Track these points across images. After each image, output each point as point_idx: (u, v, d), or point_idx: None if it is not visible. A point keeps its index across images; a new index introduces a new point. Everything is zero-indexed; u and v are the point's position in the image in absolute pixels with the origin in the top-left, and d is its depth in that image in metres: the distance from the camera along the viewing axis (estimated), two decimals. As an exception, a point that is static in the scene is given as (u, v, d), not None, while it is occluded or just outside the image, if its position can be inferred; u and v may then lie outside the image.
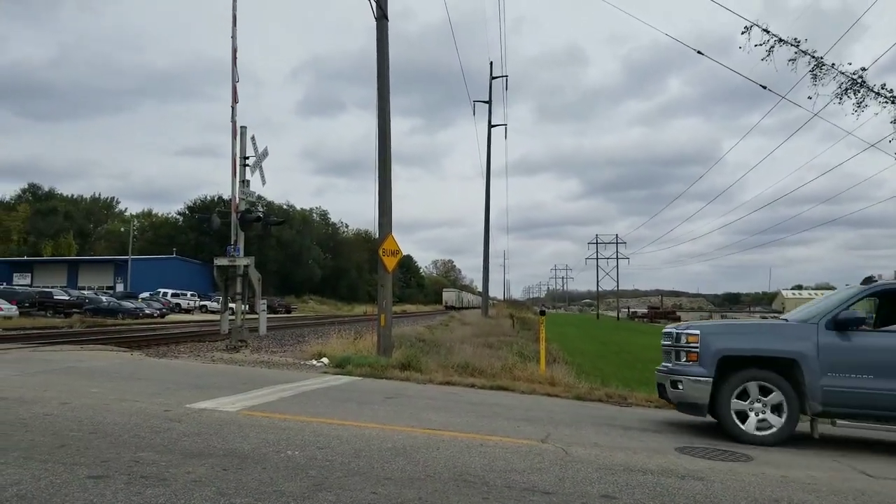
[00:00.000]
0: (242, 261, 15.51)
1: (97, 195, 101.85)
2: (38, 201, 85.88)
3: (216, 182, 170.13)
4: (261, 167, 15.86)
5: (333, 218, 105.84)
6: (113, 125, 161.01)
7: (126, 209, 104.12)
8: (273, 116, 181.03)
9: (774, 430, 7.50)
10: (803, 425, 7.91)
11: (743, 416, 7.61)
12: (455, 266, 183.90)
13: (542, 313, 14.24)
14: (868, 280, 8.00)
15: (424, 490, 4.87)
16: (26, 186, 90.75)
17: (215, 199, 79.53)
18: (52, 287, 51.31)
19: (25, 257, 74.72)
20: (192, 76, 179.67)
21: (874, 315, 8.41)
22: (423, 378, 11.41)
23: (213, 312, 53.84)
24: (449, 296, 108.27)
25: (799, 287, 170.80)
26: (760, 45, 14.32)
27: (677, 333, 8.12)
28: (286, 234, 79.33)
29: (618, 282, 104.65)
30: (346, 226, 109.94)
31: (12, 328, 27.23)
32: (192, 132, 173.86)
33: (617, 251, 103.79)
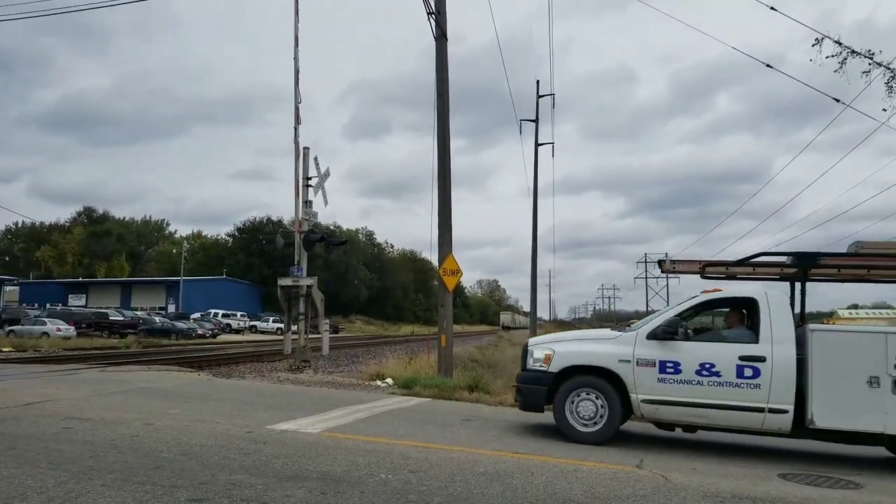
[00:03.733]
0: (306, 281, 15.57)
1: (148, 218, 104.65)
2: (93, 224, 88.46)
3: (267, 204, 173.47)
4: (323, 188, 15.96)
5: (379, 238, 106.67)
6: (168, 151, 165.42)
7: (176, 231, 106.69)
8: (321, 139, 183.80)
9: None
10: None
11: None
12: (500, 286, 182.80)
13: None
14: None
15: (532, 518, 4.66)
16: (81, 210, 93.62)
17: (264, 220, 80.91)
18: (107, 308, 52.60)
19: (80, 279, 76.80)
20: (245, 102, 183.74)
21: None
22: (494, 400, 11.17)
23: (262, 333, 54.50)
24: (505, 317, 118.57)
25: (855, 306, 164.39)
26: (832, 56, 13.95)
27: None
28: (333, 255, 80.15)
29: (668, 301, 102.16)
30: (392, 246, 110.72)
31: (72, 349, 27.90)
32: (244, 156, 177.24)
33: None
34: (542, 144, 45.23)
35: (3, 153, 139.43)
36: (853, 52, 14.23)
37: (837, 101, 15.68)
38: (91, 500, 4.49)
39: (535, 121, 45.00)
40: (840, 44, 14.15)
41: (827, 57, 14.21)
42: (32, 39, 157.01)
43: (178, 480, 5.10)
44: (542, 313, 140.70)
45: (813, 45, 14.29)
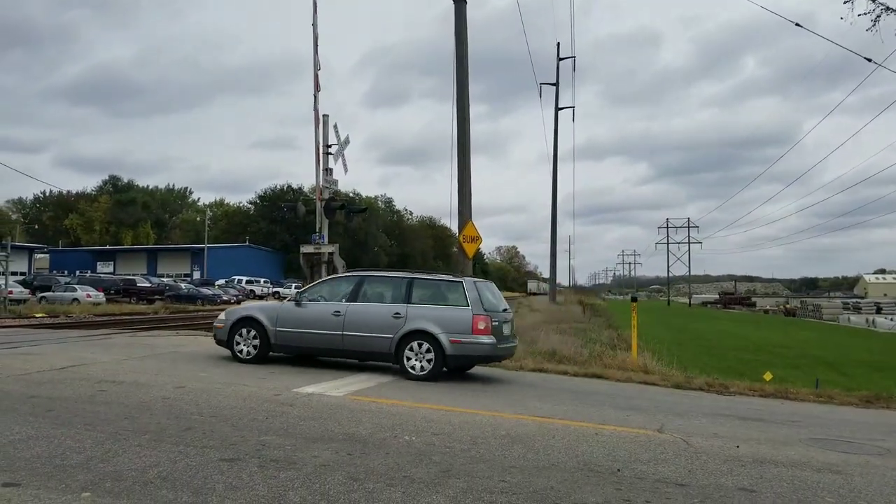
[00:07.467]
0: (327, 248, 15.71)
1: (171, 186, 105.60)
2: (118, 193, 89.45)
3: (289, 172, 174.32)
4: (343, 155, 16.00)
5: (398, 206, 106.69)
6: (190, 120, 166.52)
7: (199, 199, 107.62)
8: (341, 107, 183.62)
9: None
10: None
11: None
12: (519, 252, 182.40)
13: (634, 300, 13.84)
14: None
15: (553, 479, 4.75)
16: (107, 178, 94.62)
17: (286, 188, 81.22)
18: (135, 275, 53.44)
19: (108, 246, 78.01)
20: (266, 72, 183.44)
21: None
22: (514, 365, 11.28)
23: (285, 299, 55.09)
24: (532, 285, 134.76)
25: (882, 271, 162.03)
26: (865, 14, 13.55)
27: None
28: (353, 222, 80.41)
29: (689, 267, 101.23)
30: (411, 213, 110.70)
31: (102, 314, 28.53)
32: (265, 125, 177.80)
33: (689, 235, 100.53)
34: (562, 109, 44.77)
35: (31, 125, 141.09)
36: (887, 8, 13.81)
37: (869, 60, 15.28)
38: (127, 460, 4.65)
39: (556, 84, 44.40)
40: (874, 0, 13.74)
41: (859, 15, 13.81)
42: (59, 13, 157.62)
43: (209, 441, 5.26)
44: (562, 279, 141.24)
45: (845, 3, 13.89)
